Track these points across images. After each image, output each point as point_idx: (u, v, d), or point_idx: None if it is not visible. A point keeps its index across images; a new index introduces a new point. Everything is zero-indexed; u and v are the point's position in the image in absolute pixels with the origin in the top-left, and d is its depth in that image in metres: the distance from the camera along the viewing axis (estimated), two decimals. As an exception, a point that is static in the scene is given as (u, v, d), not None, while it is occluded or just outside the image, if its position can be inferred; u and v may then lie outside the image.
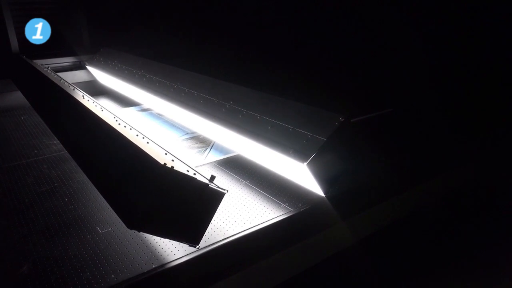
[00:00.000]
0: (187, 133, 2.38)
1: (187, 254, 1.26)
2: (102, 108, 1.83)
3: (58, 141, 2.23)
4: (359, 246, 1.72)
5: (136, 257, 1.26)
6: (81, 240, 1.35)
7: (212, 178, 1.20)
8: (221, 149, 2.11)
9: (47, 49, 3.49)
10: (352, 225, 1.67)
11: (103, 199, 1.55)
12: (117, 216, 1.43)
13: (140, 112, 2.85)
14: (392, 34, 2.02)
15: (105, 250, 1.30)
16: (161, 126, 2.55)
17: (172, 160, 1.24)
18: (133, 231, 1.36)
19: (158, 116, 2.74)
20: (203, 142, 2.23)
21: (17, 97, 3.02)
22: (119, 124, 1.58)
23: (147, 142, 1.40)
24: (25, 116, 2.82)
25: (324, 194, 1.53)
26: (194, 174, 1.19)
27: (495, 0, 1.93)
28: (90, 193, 1.67)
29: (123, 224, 1.38)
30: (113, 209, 1.24)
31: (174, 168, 1.13)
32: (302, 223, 1.53)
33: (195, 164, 1.92)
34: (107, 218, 1.48)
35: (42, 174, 1.87)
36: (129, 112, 2.86)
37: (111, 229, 1.41)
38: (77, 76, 3.51)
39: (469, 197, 2.19)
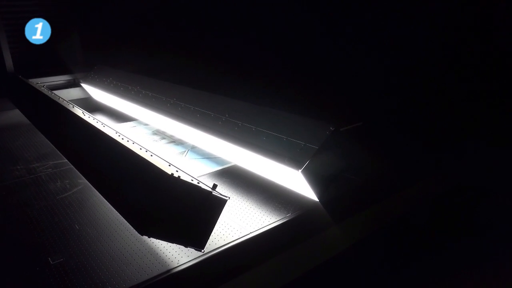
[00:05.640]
0: (183, 146, 2.47)
1: (193, 259, 1.32)
2: (104, 125, 1.91)
3: (21, 167, 2.20)
4: (353, 249, 1.80)
5: (145, 262, 1.34)
6: (32, 272, 1.31)
7: (214, 186, 1.29)
8: (218, 160, 2.20)
9: (42, 69, 3.57)
10: (345, 228, 1.77)
11: (60, 227, 1.56)
12: (74, 242, 1.45)
13: (136, 127, 2.93)
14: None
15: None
16: (158, 140, 2.63)
17: (176, 171, 1.32)
18: (137, 238, 1.44)
19: (155, 131, 2.82)
20: (198, 153, 2.32)
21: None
22: (122, 139, 1.66)
23: (151, 155, 1.49)
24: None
25: (318, 199, 1.63)
26: (198, 183, 1.28)
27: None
28: (46, 221, 1.63)
29: (75, 251, 1.38)
30: (124, 218, 1.32)
31: (181, 178, 1.22)
32: (299, 227, 1.62)
33: (195, 174, 2.00)
34: (61, 247, 1.44)
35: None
36: (125, 127, 2.94)
37: (63, 259, 1.37)
38: (72, 93, 3.58)
39: (461, 198, 2.25)
